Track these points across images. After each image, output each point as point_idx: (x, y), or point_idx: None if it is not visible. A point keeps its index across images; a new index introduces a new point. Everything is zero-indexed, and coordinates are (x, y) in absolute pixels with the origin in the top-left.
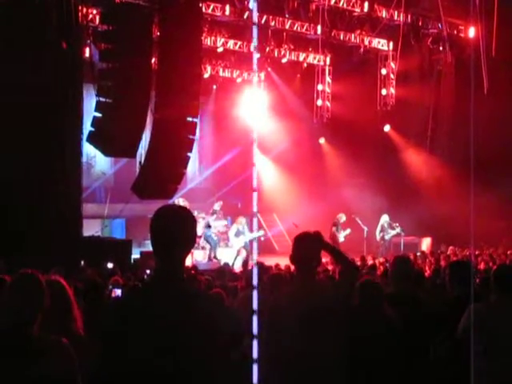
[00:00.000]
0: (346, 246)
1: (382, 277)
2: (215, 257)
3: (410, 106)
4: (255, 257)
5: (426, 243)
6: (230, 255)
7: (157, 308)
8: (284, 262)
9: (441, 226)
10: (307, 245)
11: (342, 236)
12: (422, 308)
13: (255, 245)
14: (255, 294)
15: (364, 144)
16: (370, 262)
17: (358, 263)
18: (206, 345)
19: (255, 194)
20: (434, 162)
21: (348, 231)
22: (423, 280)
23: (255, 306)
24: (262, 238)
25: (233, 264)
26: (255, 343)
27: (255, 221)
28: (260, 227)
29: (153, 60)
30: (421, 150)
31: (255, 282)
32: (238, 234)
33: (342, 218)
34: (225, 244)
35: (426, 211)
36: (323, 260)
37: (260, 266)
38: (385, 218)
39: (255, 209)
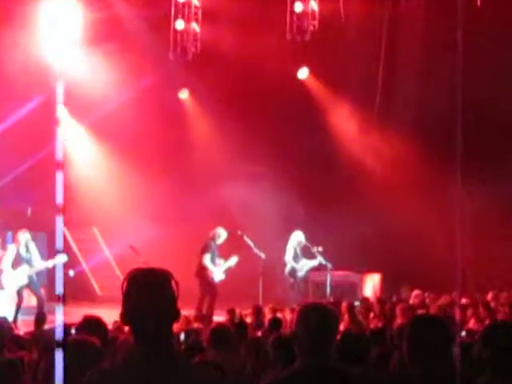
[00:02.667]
0: (228, 289)
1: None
2: None
3: (344, 33)
4: (60, 307)
5: (371, 283)
6: (6, 302)
7: None
8: (113, 315)
9: (399, 253)
10: (149, 293)
11: (220, 271)
12: None
13: (59, 282)
14: (60, 372)
15: (263, 103)
16: (269, 316)
17: (248, 319)
18: None
19: (60, 177)
20: (387, 139)
21: (233, 261)
22: (364, 349)
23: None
24: (71, 273)
25: (14, 319)
26: None
27: (60, 231)
28: (66, 250)
29: None
30: (364, 115)
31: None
32: (17, 262)
33: (221, 235)
34: None
35: (372, 226)
36: (184, 313)
37: (92, 321)
38: (297, 238)
39: (60, 200)
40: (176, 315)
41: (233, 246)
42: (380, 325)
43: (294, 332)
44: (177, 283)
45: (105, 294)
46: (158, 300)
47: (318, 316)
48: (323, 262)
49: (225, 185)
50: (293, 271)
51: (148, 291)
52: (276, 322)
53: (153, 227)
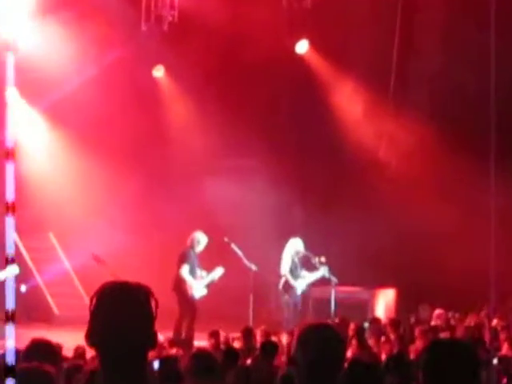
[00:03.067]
0: (212, 307)
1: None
2: None
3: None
4: (11, 329)
5: (384, 301)
6: None
7: None
8: (73, 339)
9: (417, 264)
10: (124, 311)
11: (201, 285)
12: None
13: (10, 298)
14: None
15: (253, 82)
16: (261, 340)
17: (237, 344)
18: None
19: (10, 169)
20: (403, 125)
21: (218, 273)
22: (376, 380)
23: None
24: (23, 288)
25: None
26: None
27: (11, 235)
28: (16, 260)
29: None
30: (373, 94)
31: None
32: None
33: (200, 241)
34: None
35: (385, 230)
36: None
37: (41, 345)
38: (295, 247)
39: (10, 196)
40: (153, 340)
41: (218, 255)
42: (394, 351)
43: (292, 359)
44: (156, 302)
45: (63, 314)
46: (133, 319)
47: (320, 338)
48: (327, 274)
49: (207, 182)
50: (287, 285)
51: (121, 308)
52: (270, 347)
53: (121, 232)
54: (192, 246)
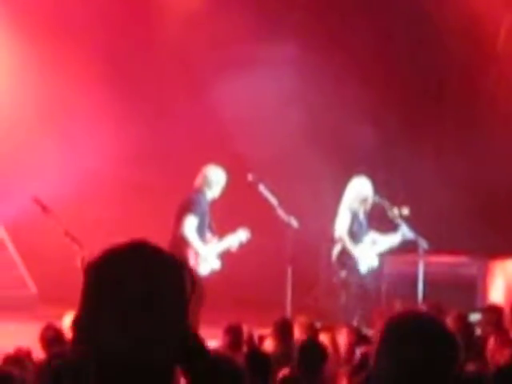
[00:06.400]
0: (229, 287)
1: None
2: None
3: None
4: None
5: (503, 278)
6: None
7: None
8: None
9: None
10: (147, 294)
11: (212, 253)
12: None
13: None
14: None
15: None
16: (301, 337)
17: (269, 344)
18: None
19: None
20: None
21: (239, 238)
22: None
23: None
24: None
25: None
26: None
27: None
28: None
29: None
30: None
31: None
32: None
33: (217, 180)
34: None
35: (508, 165)
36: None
37: None
38: (360, 192)
39: None
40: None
41: (235, 204)
42: None
43: (374, 369)
44: (195, 281)
45: None
46: (163, 310)
47: (422, 339)
48: (409, 235)
49: (216, 85)
50: (346, 255)
51: (144, 287)
52: (314, 351)
53: (84, 168)
54: (202, 190)
